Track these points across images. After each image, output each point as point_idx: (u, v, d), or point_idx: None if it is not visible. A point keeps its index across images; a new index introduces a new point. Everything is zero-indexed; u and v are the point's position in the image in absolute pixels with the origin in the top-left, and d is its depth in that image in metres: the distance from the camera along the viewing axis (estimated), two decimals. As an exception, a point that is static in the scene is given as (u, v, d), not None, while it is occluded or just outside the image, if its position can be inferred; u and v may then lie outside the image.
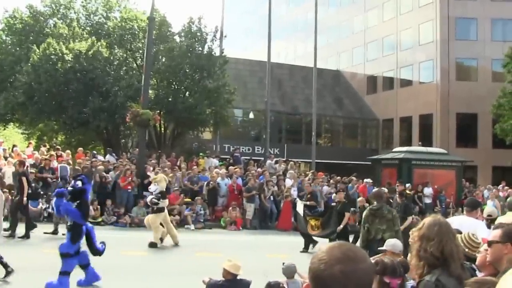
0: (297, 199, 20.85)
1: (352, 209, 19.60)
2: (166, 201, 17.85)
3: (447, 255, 4.19)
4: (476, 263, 5.03)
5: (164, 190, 17.69)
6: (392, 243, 8.45)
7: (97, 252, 11.08)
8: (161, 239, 17.40)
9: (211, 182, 25.31)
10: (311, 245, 17.94)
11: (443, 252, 4.18)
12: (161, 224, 17.37)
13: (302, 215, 18.44)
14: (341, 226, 16.44)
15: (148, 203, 18.22)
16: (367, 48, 56.18)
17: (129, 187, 23.75)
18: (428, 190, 29.22)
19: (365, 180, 29.19)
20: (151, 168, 25.12)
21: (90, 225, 10.97)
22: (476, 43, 47.24)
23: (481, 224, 8.62)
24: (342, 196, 17.97)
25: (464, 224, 7.40)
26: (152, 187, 17.67)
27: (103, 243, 11.60)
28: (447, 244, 4.23)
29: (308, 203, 20.14)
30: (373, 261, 5.46)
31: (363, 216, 12.33)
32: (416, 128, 49.53)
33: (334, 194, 22.28)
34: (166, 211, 17.58)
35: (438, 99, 46.84)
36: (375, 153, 45.94)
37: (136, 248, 16.54)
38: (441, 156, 33.39)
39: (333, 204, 18.91)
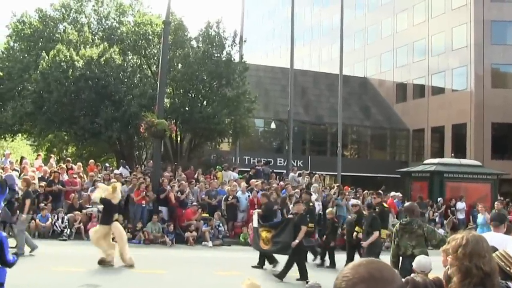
0: (254, 212, 19.80)
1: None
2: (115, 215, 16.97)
3: (493, 272, 4.23)
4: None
5: (111, 201, 16.80)
6: (422, 263, 8.47)
7: (7, 263, 10.85)
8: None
9: (230, 197, 25.33)
10: (272, 264, 17.39)
11: (492, 268, 4.23)
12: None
13: (256, 227, 17.77)
14: (297, 240, 15.55)
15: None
16: (396, 53, 56.07)
17: (143, 201, 23.75)
18: (461, 205, 29.09)
19: (392, 193, 29.08)
20: (167, 182, 25.13)
21: (4, 234, 10.79)
22: (514, 48, 46.94)
23: (510, 239, 8.58)
24: (301, 208, 16.78)
25: (493, 240, 7.38)
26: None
27: (15, 254, 11.45)
28: (492, 260, 4.29)
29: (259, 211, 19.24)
30: (403, 280, 5.52)
31: (393, 231, 12.38)
32: (448, 139, 49.24)
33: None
34: (115, 225, 16.71)
35: (472, 107, 46.53)
36: (405, 165, 45.81)
37: (153, 266, 16.63)
38: (475, 169, 33.24)
39: (291, 216, 18.11)
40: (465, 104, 46.93)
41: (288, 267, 15.42)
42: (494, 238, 8.06)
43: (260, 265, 17.36)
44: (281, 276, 15.23)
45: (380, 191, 22.75)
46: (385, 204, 19.25)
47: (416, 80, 53.52)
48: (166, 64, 27.82)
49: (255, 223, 17.85)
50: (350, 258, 17.27)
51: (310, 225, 18.35)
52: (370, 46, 59.16)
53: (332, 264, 18.70)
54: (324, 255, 19.15)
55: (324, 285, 7.01)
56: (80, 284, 13.05)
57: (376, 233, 15.45)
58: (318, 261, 19.10)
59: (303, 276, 15.04)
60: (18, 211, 17.66)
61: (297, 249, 15.56)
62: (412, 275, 6.41)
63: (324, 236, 19.90)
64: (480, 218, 22.90)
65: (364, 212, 17.24)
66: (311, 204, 20.09)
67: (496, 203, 22.81)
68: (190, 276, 15.79)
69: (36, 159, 29.78)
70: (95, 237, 16.11)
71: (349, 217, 19.81)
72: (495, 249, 5.71)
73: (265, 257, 17.49)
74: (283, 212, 24.13)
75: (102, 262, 15.79)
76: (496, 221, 9.44)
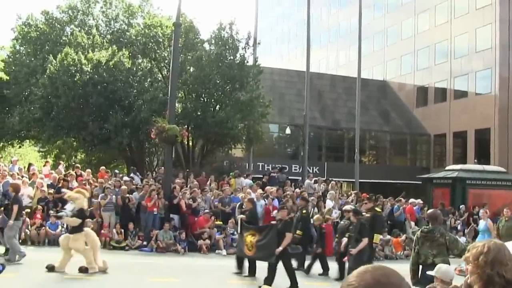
0: (238, 217, 19.60)
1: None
2: (78, 221, 16.40)
3: None
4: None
5: (83, 208, 16.86)
6: (443, 270, 8.60)
7: None
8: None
9: (244, 204, 25.37)
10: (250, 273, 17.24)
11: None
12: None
13: (240, 233, 17.62)
14: (281, 248, 15.21)
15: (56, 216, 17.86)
16: (417, 55, 55.99)
17: (155, 209, 23.88)
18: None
19: (411, 200, 29.10)
20: (179, 189, 25.26)
21: None
22: (540, 48, 46.77)
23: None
24: (286, 214, 16.18)
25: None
26: (68, 206, 16.98)
27: (2, 265, 11.50)
28: None
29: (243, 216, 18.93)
30: None
31: (414, 238, 12.50)
32: (471, 144, 49.09)
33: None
34: (87, 232, 16.59)
35: (496, 111, 46.40)
36: (426, 171, 45.72)
37: (165, 275, 16.79)
38: (499, 175, 33.19)
39: (274, 222, 17.81)
40: (489, 108, 46.77)
41: (271, 273, 15.50)
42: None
43: (240, 270, 17.41)
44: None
45: (371, 195, 22.93)
46: (377, 209, 19.17)
47: (438, 84, 53.36)
48: (178, 67, 27.93)
49: (239, 229, 17.81)
50: (340, 266, 17.63)
51: (298, 232, 18.65)
52: (390, 48, 59.12)
53: (325, 270, 18.78)
54: (313, 263, 19.11)
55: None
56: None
57: (365, 240, 15.48)
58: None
59: (293, 282, 15.15)
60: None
61: (282, 256, 15.31)
62: (433, 284, 6.53)
63: (315, 244, 19.98)
64: (482, 224, 22.77)
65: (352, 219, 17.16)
66: (304, 211, 20.07)
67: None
68: (203, 285, 15.95)
69: (44, 165, 30.02)
70: (75, 246, 16.06)
71: (341, 223, 19.71)
72: None
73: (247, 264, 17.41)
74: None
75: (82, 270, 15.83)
76: None
